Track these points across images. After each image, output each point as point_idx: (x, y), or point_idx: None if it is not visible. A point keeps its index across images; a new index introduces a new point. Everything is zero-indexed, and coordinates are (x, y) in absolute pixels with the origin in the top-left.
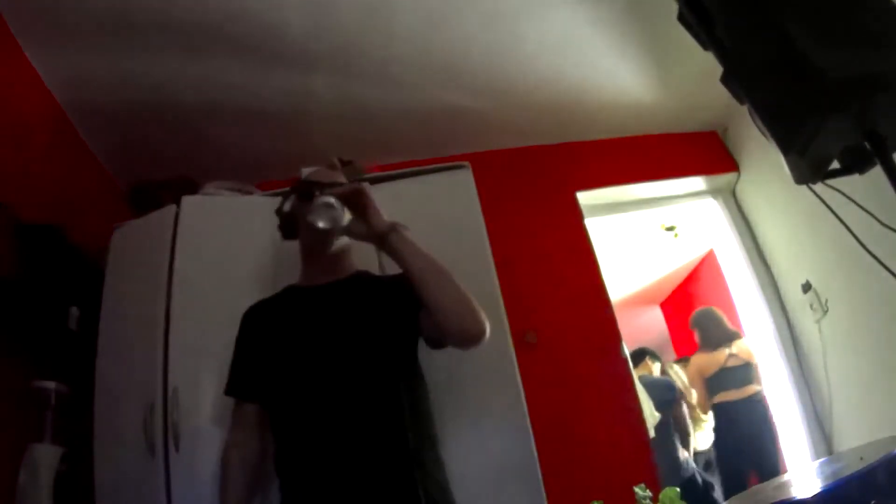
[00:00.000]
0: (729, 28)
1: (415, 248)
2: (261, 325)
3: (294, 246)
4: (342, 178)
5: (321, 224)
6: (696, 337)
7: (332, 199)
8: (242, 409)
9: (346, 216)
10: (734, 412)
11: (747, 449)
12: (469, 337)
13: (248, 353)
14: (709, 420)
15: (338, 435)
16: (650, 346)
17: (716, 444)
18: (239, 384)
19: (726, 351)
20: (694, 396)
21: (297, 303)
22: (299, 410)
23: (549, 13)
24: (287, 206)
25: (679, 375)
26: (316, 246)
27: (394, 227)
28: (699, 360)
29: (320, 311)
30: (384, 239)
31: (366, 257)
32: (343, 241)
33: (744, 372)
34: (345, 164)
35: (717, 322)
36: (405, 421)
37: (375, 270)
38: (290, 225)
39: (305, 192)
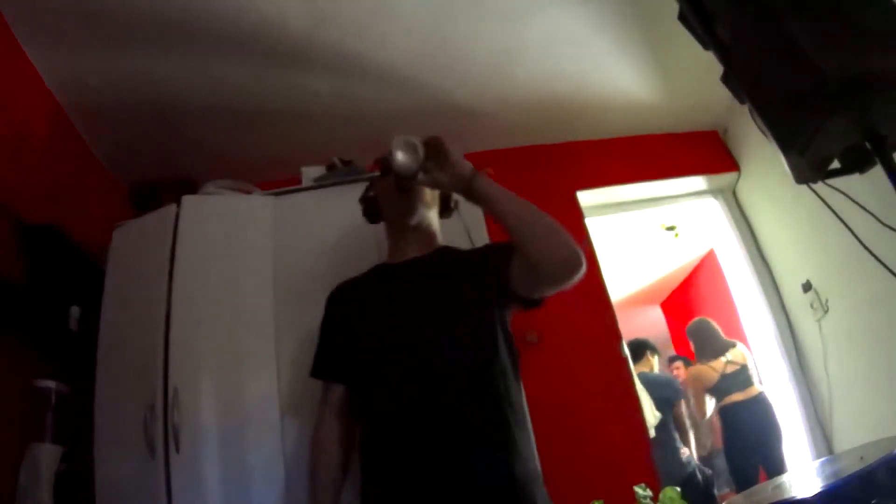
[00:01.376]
0: (729, 28)
1: (500, 188)
2: (348, 303)
3: (293, 245)
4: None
5: (400, 156)
6: (692, 347)
7: (413, 139)
8: (330, 391)
9: (421, 155)
10: (742, 412)
11: (756, 447)
12: (569, 266)
13: (335, 334)
14: (705, 425)
15: (428, 415)
16: None
17: (725, 444)
18: (326, 365)
19: (723, 360)
20: (692, 402)
21: (385, 279)
22: (388, 390)
23: (549, 13)
24: (370, 193)
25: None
26: (400, 211)
27: (476, 172)
28: (697, 370)
29: (407, 285)
30: (469, 183)
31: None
32: (425, 213)
33: (743, 374)
34: (345, 163)
35: (712, 333)
36: (499, 402)
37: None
38: (374, 208)
39: (387, 166)
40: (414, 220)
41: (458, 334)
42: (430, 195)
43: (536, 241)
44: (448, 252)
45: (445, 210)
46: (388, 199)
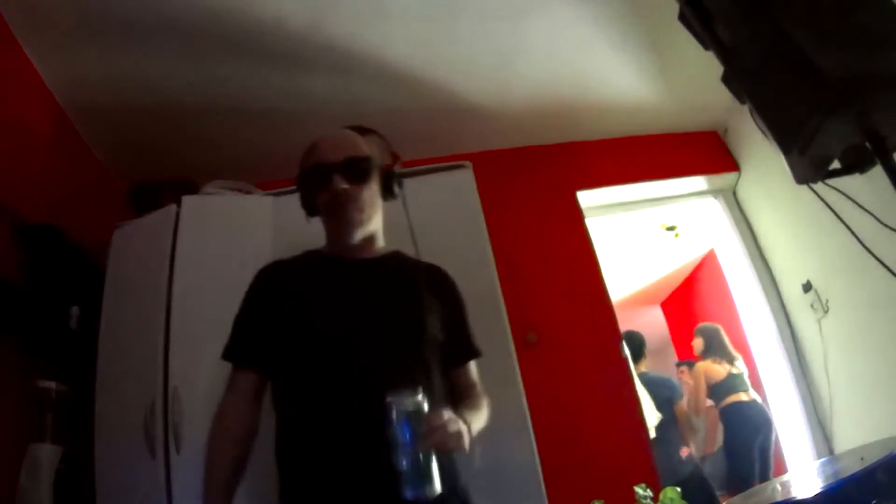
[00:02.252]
0: (730, 28)
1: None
2: (281, 288)
3: (293, 245)
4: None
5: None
6: (698, 344)
7: (410, 412)
8: (240, 377)
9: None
10: (745, 410)
11: (755, 445)
12: None
13: (259, 317)
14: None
15: (358, 419)
16: (650, 345)
17: (727, 442)
18: (242, 349)
19: (726, 363)
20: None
21: (330, 272)
22: (318, 391)
23: (550, 13)
24: (304, 189)
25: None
26: (339, 236)
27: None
28: (707, 365)
29: (357, 284)
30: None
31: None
32: (371, 228)
33: (745, 380)
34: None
35: (723, 340)
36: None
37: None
38: (311, 204)
39: (319, 177)
40: (353, 241)
41: (410, 361)
42: (371, 199)
43: None
44: (401, 262)
45: (388, 193)
46: (326, 214)
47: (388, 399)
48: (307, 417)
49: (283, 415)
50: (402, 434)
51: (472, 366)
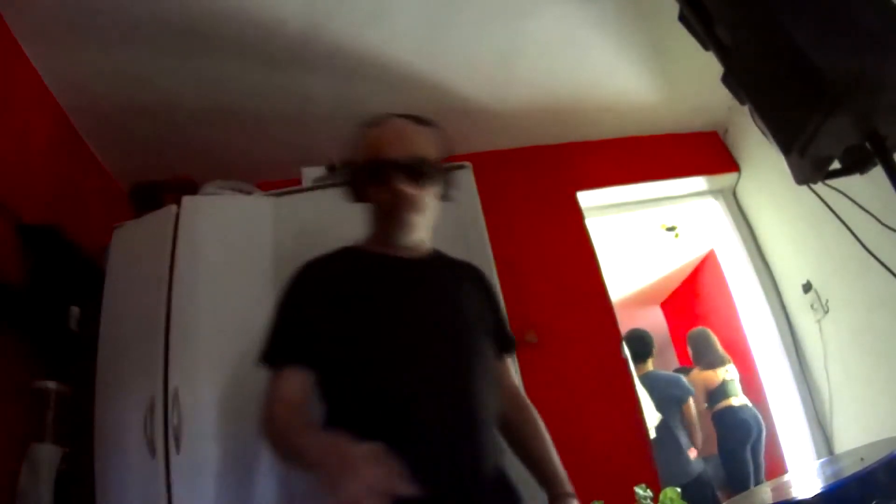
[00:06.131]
0: (729, 28)
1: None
2: (326, 286)
3: (293, 245)
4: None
5: None
6: (690, 353)
7: None
8: (284, 382)
9: None
10: (738, 413)
11: (745, 450)
12: None
13: (303, 318)
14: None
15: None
16: None
17: (721, 445)
18: (288, 351)
19: (720, 369)
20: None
21: (384, 270)
22: (399, 389)
23: (550, 13)
24: (351, 179)
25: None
26: (390, 235)
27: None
28: (703, 374)
29: (418, 283)
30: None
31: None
32: (424, 231)
33: (735, 385)
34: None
35: (712, 344)
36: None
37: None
38: (361, 192)
39: (380, 174)
40: (406, 243)
41: (474, 346)
42: (431, 202)
43: None
44: (445, 260)
45: (446, 195)
46: (384, 212)
47: None
48: (390, 419)
49: (346, 418)
50: None
51: (510, 361)
